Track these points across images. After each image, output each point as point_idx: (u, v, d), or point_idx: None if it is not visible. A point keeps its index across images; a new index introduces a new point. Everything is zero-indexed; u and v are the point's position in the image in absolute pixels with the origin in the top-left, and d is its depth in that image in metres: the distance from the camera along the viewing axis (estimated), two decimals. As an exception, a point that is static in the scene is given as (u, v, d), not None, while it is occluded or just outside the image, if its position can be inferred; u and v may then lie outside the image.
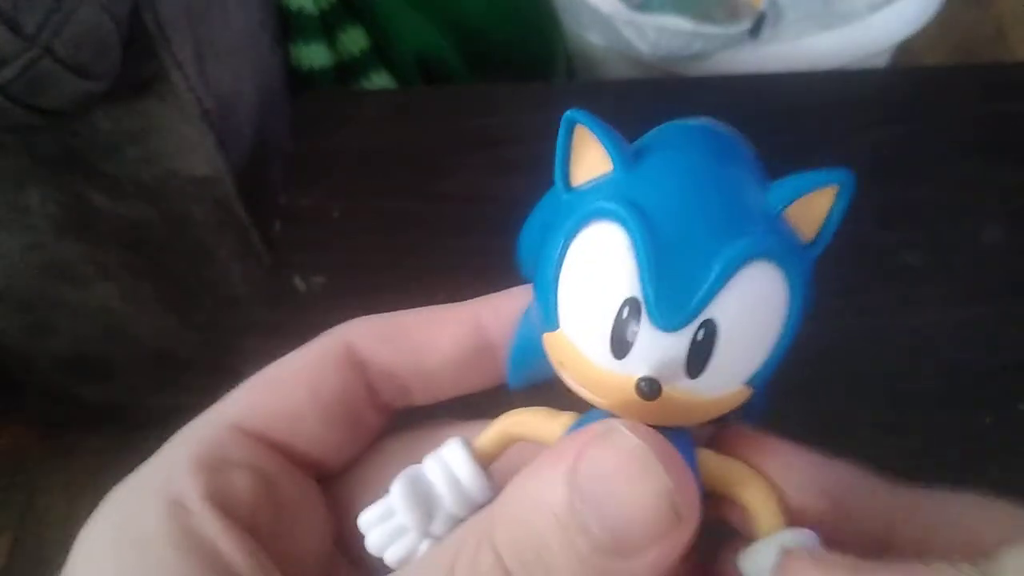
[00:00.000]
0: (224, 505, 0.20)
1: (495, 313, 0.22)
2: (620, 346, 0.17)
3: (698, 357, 0.17)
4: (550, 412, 0.20)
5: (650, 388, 0.17)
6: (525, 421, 0.20)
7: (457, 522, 0.20)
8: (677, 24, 0.78)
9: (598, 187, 0.18)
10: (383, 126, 0.62)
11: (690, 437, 0.19)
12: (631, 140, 0.19)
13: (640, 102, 0.61)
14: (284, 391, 0.22)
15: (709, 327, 0.17)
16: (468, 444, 0.20)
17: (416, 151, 0.60)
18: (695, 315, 0.17)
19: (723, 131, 0.19)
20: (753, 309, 0.17)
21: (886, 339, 0.49)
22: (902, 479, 0.20)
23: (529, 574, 0.16)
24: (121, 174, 0.62)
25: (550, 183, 0.19)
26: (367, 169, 0.60)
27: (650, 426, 0.17)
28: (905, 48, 0.87)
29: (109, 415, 0.86)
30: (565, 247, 0.18)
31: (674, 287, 0.16)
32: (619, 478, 0.16)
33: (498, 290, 0.23)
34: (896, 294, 0.51)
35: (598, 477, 0.16)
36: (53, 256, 0.70)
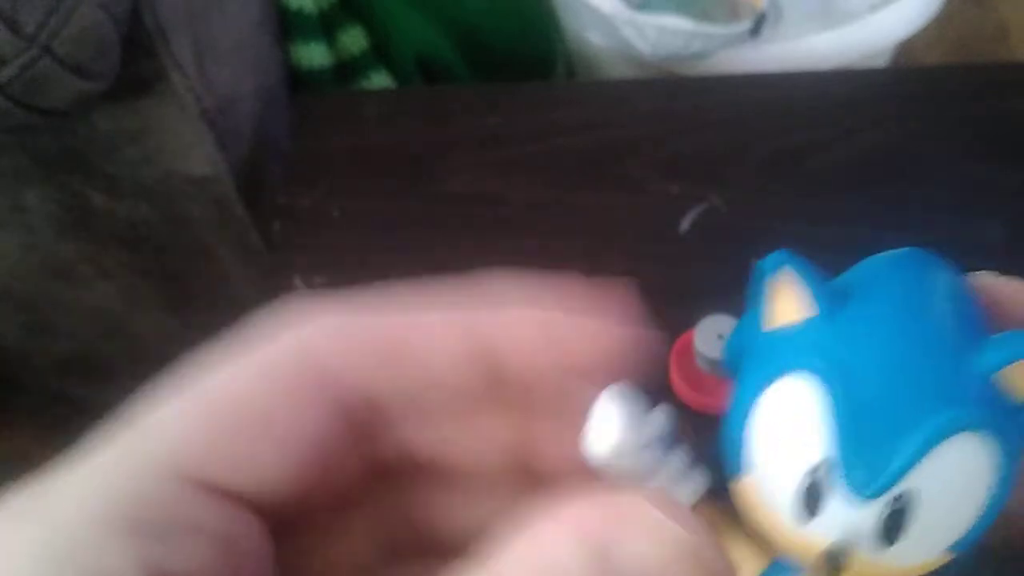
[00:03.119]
0: None
1: (504, 332, 0.17)
2: (809, 507, 0.17)
3: (893, 527, 0.16)
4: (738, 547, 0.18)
5: (836, 562, 0.16)
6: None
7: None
8: (677, 24, 0.78)
9: (797, 334, 0.17)
10: (383, 126, 0.62)
11: None
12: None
13: (640, 102, 0.61)
14: (236, 428, 0.16)
15: (906, 497, 0.16)
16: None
17: (416, 151, 0.60)
18: (893, 485, 0.16)
19: (934, 267, 0.18)
20: (957, 481, 0.16)
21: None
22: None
23: None
24: (120, 174, 0.62)
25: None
26: (367, 169, 0.60)
27: None
28: (905, 48, 0.87)
29: (109, 415, 0.86)
30: (758, 394, 0.17)
31: (872, 454, 0.16)
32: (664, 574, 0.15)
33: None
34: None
35: (636, 570, 0.15)
36: (52, 256, 0.70)
